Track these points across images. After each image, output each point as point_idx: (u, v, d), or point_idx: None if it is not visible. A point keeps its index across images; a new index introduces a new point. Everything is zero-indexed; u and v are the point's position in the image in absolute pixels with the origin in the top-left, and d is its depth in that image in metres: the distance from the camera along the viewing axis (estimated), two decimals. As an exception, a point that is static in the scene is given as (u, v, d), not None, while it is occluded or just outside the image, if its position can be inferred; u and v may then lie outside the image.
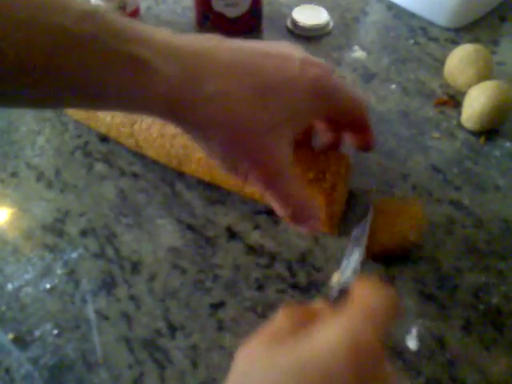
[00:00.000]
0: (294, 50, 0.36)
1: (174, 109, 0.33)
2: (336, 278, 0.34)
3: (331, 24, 0.67)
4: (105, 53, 0.30)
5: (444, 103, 0.57)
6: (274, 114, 0.33)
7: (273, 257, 0.45)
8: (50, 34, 0.29)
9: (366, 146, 0.41)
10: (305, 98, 0.34)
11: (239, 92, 0.33)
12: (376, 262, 0.44)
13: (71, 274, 0.44)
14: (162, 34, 0.33)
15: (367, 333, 0.24)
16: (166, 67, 0.31)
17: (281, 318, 0.27)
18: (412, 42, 0.65)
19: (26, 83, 0.30)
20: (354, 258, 0.35)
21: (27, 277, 0.43)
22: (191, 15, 0.67)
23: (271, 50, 0.35)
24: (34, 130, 0.55)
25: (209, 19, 0.62)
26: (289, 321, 0.27)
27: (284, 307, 0.28)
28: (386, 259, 0.43)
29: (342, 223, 0.46)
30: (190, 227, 0.47)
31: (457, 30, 0.67)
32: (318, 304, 0.29)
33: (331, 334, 0.24)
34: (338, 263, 0.44)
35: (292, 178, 0.35)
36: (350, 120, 0.39)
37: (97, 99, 0.33)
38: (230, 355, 0.39)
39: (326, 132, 0.42)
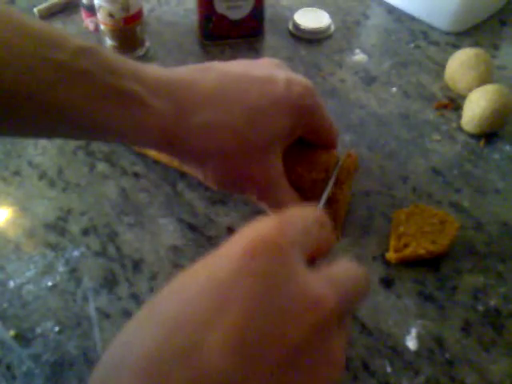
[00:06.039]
0: (277, 70, 0.38)
1: (167, 141, 0.34)
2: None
3: (333, 27, 0.68)
4: (100, 88, 0.31)
5: (444, 106, 0.58)
6: (262, 135, 0.35)
7: (273, 257, 0.45)
8: (49, 67, 0.30)
9: None
10: (290, 114, 0.36)
11: (227, 120, 0.34)
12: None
13: (73, 272, 0.44)
14: (154, 69, 0.34)
15: (270, 228, 0.23)
16: (158, 102, 0.33)
17: None
18: (413, 45, 0.66)
19: (22, 112, 0.31)
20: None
21: (29, 274, 0.44)
22: (194, 17, 0.67)
23: (256, 72, 0.36)
24: (37, 130, 0.55)
25: (211, 21, 0.63)
26: None
27: None
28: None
29: (344, 224, 0.47)
30: (191, 227, 0.47)
31: (457, 34, 0.67)
32: None
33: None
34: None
35: (282, 188, 0.37)
36: (320, 138, 0.40)
37: (91, 132, 0.34)
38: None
39: None
